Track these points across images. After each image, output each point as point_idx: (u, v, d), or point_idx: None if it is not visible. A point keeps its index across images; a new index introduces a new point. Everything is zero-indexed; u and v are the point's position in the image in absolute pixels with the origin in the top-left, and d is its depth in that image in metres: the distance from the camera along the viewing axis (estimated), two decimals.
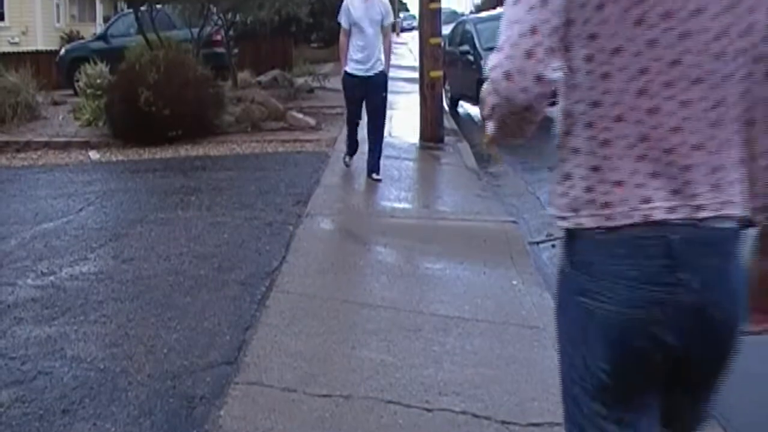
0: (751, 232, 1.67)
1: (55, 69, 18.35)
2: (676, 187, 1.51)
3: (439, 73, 10.49)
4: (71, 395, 3.60)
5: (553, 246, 6.61)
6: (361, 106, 8.20)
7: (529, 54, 1.46)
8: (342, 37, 8.06)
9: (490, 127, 1.60)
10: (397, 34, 52.56)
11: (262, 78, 16.25)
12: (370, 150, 8.26)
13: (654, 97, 1.50)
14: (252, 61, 17.87)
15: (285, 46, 20.79)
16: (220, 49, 14.94)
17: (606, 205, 1.54)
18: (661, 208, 1.51)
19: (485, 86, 1.55)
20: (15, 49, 22.15)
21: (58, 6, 28.78)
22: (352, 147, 8.66)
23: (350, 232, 6.51)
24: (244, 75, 15.35)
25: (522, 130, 1.59)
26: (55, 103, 14.54)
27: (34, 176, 8.88)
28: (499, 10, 18.83)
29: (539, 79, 1.47)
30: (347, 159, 8.72)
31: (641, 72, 1.49)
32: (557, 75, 1.52)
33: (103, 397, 3.58)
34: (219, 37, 14.93)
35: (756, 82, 1.55)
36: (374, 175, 8.17)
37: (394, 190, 7.83)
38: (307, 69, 17.68)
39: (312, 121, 11.90)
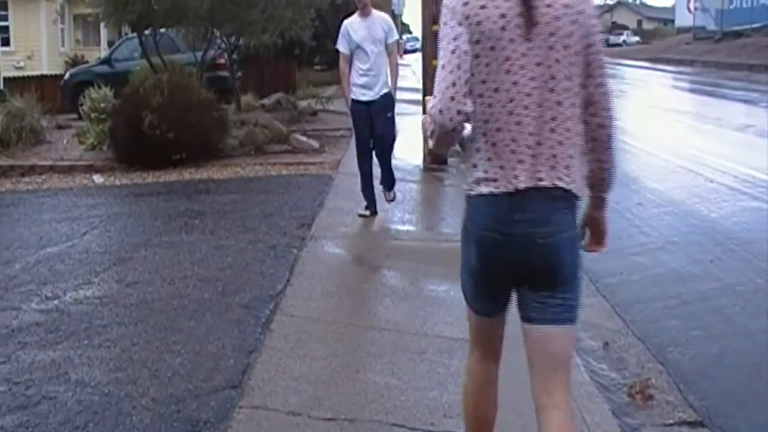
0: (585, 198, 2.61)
1: (60, 93, 18.42)
2: (529, 168, 2.41)
3: None
4: (75, 420, 3.59)
5: None
6: (370, 134, 7.53)
7: (451, 99, 2.35)
8: (342, 64, 7.44)
9: (431, 143, 2.48)
10: (401, 56, 52.71)
11: (266, 101, 16.29)
12: (382, 172, 7.79)
13: (518, 115, 2.41)
14: (255, 84, 17.93)
15: (288, 69, 20.88)
16: (224, 73, 15.00)
17: (494, 180, 2.45)
18: (523, 180, 2.41)
19: (426, 118, 2.46)
20: (20, 73, 22.26)
21: (63, 30, 28.96)
22: (370, 197, 7.68)
23: (354, 254, 6.51)
24: (247, 98, 15.39)
25: (451, 141, 2.48)
26: (60, 127, 14.59)
27: (39, 200, 8.90)
28: None
29: (458, 112, 2.36)
30: (365, 211, 7.65)
31: (510, 101, 2.41)
32: (470, 108, 2.41)
33: (108, 422, 3.57)
34: (222, 61, 14.98)
35: (578, 108, 2.47)
36: (388, 194, 7.79)
37: (398, 213, 7.83)
38: (311, 92, 17.72)
39: (315, 144, 11.93)
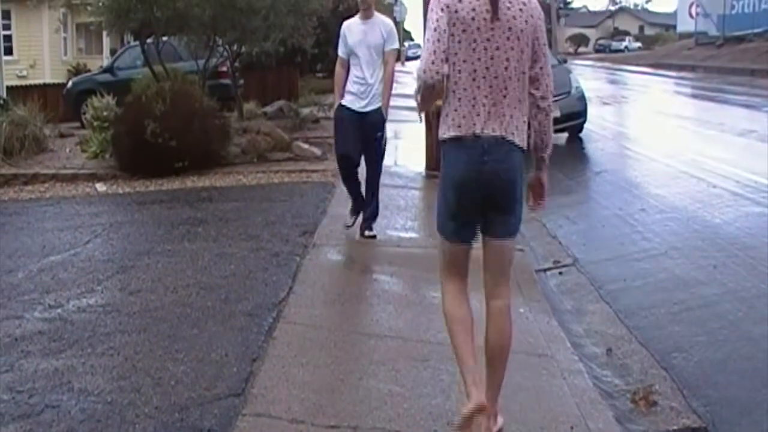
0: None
1: (62, 102, 18.47)
2: (485, 120, 3.29)
3: None
4: (79, 428, 3.59)
5: (561, 273, 6.60)
6: (356, 147, 6.88)
7: (432, 62, 3.22)
8: (338, 68, 6.97)
9: (418, 99, 3.36)
10: (402, 63, 52.79)
11: (268, 109, 16.31)
12: (365, 201, 7.11)
13: (478, 82, 3.29)
14: (257, 92, 17.96)
15: (290, 76, 20.91)
16: (226, 81, 15.02)
17: (459, 126, 3.32)
18: (479, 128, 3.29)
19: (415, 77, 3.37)
20: (23, 82, 22.30)
21: (65, 39, 29.01)
22: (357, 200, 7.15)
23: (357, 262, 6.52)
24: (249, 106, 15.40)
25: (433, 97, 3.34)
26: (62, 136, 14.60)
27: (42, 209, 8.91)
28: None
29: (437, 72, 3.23)
30: (349, 221, 7.17)
31: (473, 71, 3.29)
32: (445, 70, 3.26)
33: (111, 430, 3.57)
34: (225, 69, 14.99)
35: (525, 83, 3.37)
36: (366, 232, 7.02)
37: (400, 220, 7.83)
38: (313, 99, 17.74)
39: (318, 151, 11.94)
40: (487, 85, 3.29)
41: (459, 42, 3.27)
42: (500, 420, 3.57)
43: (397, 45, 6.99)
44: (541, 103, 3.48)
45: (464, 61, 3.28)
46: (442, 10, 3.27)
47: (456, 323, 3.58)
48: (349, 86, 6.83)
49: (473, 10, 3.25)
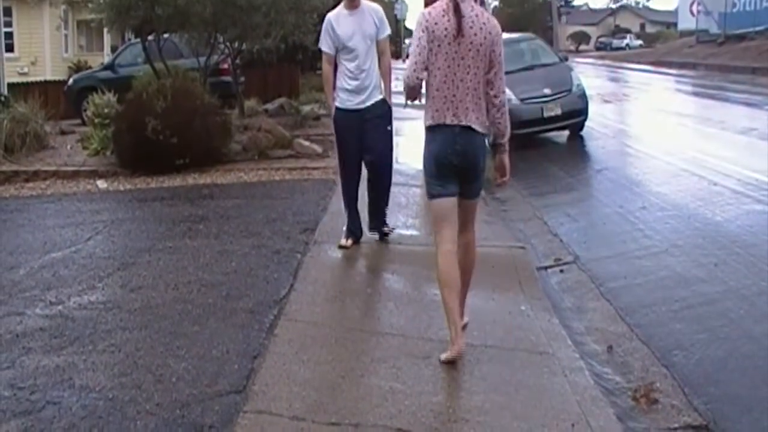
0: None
1: (63, 99, 18.47)
2: (455, 114, 4.33)
3: None
4: (80, 425, 3.60)
5: (562, 271, 6.61)
6: (360, 152, 6.47)
7: (414, 70, 4.33)
8: (325, 66, 6.47)
9: (406, 95, 4.51)
10: (404, 60, 52.80)
11: (269, 106, 16.31)
12: (375, 203, 6.76)
13: (448, 84, 4.32)
14: (259, 89, 17.94)
15: (291, 73, 20.88)
16: (227, 78, 15.01)
17: (434, 118, 4.38)
18: (449, 119, 4.34)
19: (403, 78, 4.40)
20: (24, 79, 22.31)
21: (66, 36, 29.03)
22: (354, 223, 6.71)
23: (358, 259, 6.51)
24: (250, 103, 15.40)
25: (414, 94, 4.45)
26: (63, 133, 14.61)
27: (43, 206, 8.91)
28: (504, 36, 18.95)
29: (417, 78, 4.34)
30: (345, 242, 6.65)
31: (445, 76, 4.32)
32: (424, 75, 4.34)
33: (112, 427, 3.58)
34: (226, 66, 14.99)
35: (482, 86, 4.37)
36: (385, 228, 6.80)
37: (401, 217, 7.82)
38: (314, 96, 17.72)
39: (319, 149, 11.94)
40: (455, 87, 4.35)
41: (435, 54, 4.35)
42: (466, 318, 4.75)
43: (389, 31, 6.57)
44: (494, 101, 4.43)
45: (439, 69, 4.36)
46: (423, 31, 4.37)
47: (448, 287, 4.42)
48: (343, 83, 6.39)
49: (445, 29, 4.32)
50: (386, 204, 6.81)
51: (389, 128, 6.51)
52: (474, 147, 4.42)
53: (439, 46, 4.31)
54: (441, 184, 4.47)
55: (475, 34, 4.31)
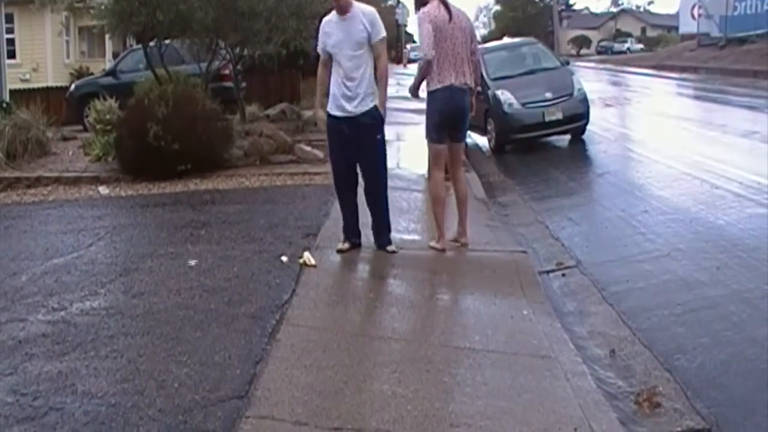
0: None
1: (65, 105, 18.48)
2: (454, 77, 6.50)
3: None
4: (83, 431, 3.60)
5: (564, 275, 6.60)
6: (353, 161, 6.46)
7: (430, 48, 6.39)
8: (319, 69, 6.48)
9: (418, 77, 6.73)
10: (405, 65, 52.86)
11: (270, 111, 16.31)
12: (373, 216, 6.70)
13: (448, 57, 6.49)
14: (260, 94, 17.94)
15: (292, 79, 20.88)
16: (229, 83, 15.02)
17: (442, 82, 6.49)
18: (451, 81, 6.50)
19: (421, 56, 6.59)
20: (26, 85, 22.34)
21: (68, 42, 29.05)
22: (350, 226, 6.70)
23: (360, 264, 6.51)
24: (252, 108, 15.40)
25: (430, 69, 6.48)
26: (65, 139, 14.63)
27: (45, 212, 8.92)
28: (506, 40, 18.99)
29: (432, 53, 6.40)
30: (342, 245, 6.66)
31: (445, 51, 6.47)
32: (434, 53, 6.39)
33: None
34: (227, 71, 15.01)
35: (468, 56, 6.61)
36: (389, 248, 6.63)
37: (403, 222, 7.82)
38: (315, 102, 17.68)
39: (320, 154, 11.93)
40: (453, 59, 6.46)
41: (436, 36, 6.36)
42: (465, 239, 6.95)
43: (384, 33, 6.33)
44: (474, 62, 6.67)
45: (441, 48, 6.40)
46: (429, 22, 6.38)
47: (440, 204, 6.85)
48: (335, 88, 6.30)
49: (442, 18, 6.44)
50: (386, 220, 6.68)
51: (379, 137, 6.39)
52: (465, 102, 6.60)
53: (440, 31, 6.38)
54: (440, 133, 6.66)
55: (459, 19, 6.54)
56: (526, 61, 15.18)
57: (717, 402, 4.19)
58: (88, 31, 27.67)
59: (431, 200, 6.85)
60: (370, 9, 6.39)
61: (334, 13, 6.35)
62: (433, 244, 6.81)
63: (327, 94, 6.45)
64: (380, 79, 6.32)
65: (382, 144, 6.46)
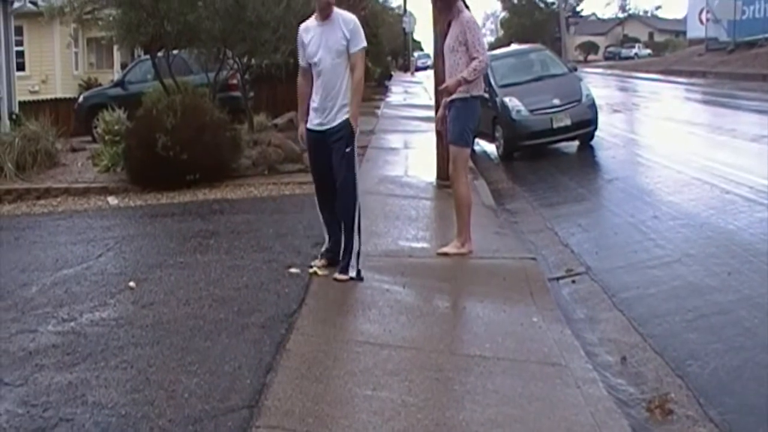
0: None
1: (74, 116, 18.55)
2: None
3: None
4: None
5: (573, 282, 6.58)
6: (326, 178, 6.09)
7: (485, 51, 6.83)
8: (299, 79, 6.27)
9: (471, 78, 6.58)
10: (412, 74, 52.93)
11: (278, 120, 16.34)
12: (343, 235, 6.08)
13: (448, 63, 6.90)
14: (268, 103, 17.98)
15: None
16: (236, 93, 15.05)
17: (480, 88, 6.82)
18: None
19: (480, 62, 6.63)
20: (35, 97, 22.44)
21: (76, 54, 29.17)
22: (330, 245, 6.27)
23: (369, 272, 6.50)
24: (260, 118, 15.42)
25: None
26: (74, 150, 14.66)
27: (54, 223, 8.95)
28: (513, 47, 18.97)
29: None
30: (317, 260, 6.28)
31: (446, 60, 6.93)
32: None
33: None
34: (235, 81, 15.03)
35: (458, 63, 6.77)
36: (337, 275, 6.00)
37: (411, 230, 7.82)
38: None
39: None
40: (446, 65, 6.86)
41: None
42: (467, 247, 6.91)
43: (363, 44, 5.95)
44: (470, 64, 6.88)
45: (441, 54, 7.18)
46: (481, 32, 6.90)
47: (470, 208, 6.92)
48: (312, 100, 6.06)
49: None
50: (350, 242, 6.03)
51: (348, 150, 5.91)
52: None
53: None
54: (472, 138, 7.14)
55: (453, 30, 6.81)
56: (534, 67, 15.17)
57: (730, 408, 4.17)
58: (97, 43, 27.76)
59: (461, 205, 6.82)
60: (351, 17, 6.04)
61: (313, 18, 6.11)
62: (455, 250, 6.82)
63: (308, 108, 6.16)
64: (354, 91, 5.92)
65: (351, 158, 5.98)
